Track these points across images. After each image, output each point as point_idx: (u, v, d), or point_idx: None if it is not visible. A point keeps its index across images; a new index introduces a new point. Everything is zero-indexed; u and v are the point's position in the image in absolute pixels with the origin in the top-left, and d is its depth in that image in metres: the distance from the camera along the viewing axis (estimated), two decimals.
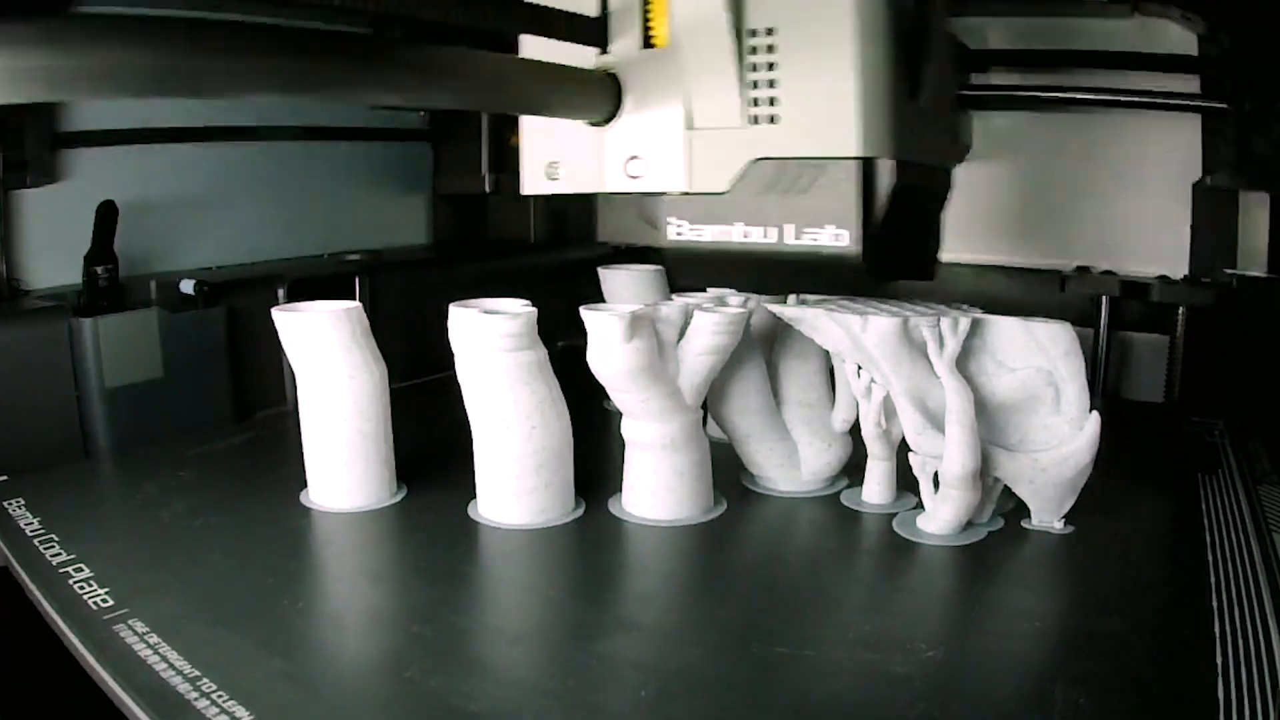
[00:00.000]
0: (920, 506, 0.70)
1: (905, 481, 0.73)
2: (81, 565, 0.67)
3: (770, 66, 0.60)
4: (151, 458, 0.93)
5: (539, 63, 0.61)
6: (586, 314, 0.67)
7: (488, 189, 1.55)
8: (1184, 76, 1.26)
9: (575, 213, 1.69)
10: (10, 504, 0.79)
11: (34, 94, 0.38)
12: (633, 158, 0.65)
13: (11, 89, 0.37)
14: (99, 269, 1.02)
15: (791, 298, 0.74)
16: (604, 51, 0.65)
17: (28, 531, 0.73)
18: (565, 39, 0.62)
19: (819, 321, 0.67)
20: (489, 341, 0.67)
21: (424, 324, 1.04)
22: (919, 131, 0.63)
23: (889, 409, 0.70)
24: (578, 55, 0.64)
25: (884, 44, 0.58)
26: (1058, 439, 0.66)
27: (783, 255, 0.63)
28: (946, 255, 1.42)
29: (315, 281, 1.20)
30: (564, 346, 0.72)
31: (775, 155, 0.61)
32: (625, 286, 0.84)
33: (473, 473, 0.73)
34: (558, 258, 1.52)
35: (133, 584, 0.65)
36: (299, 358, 0.74)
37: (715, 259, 0.65)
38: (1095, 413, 0.65)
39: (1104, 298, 1.30)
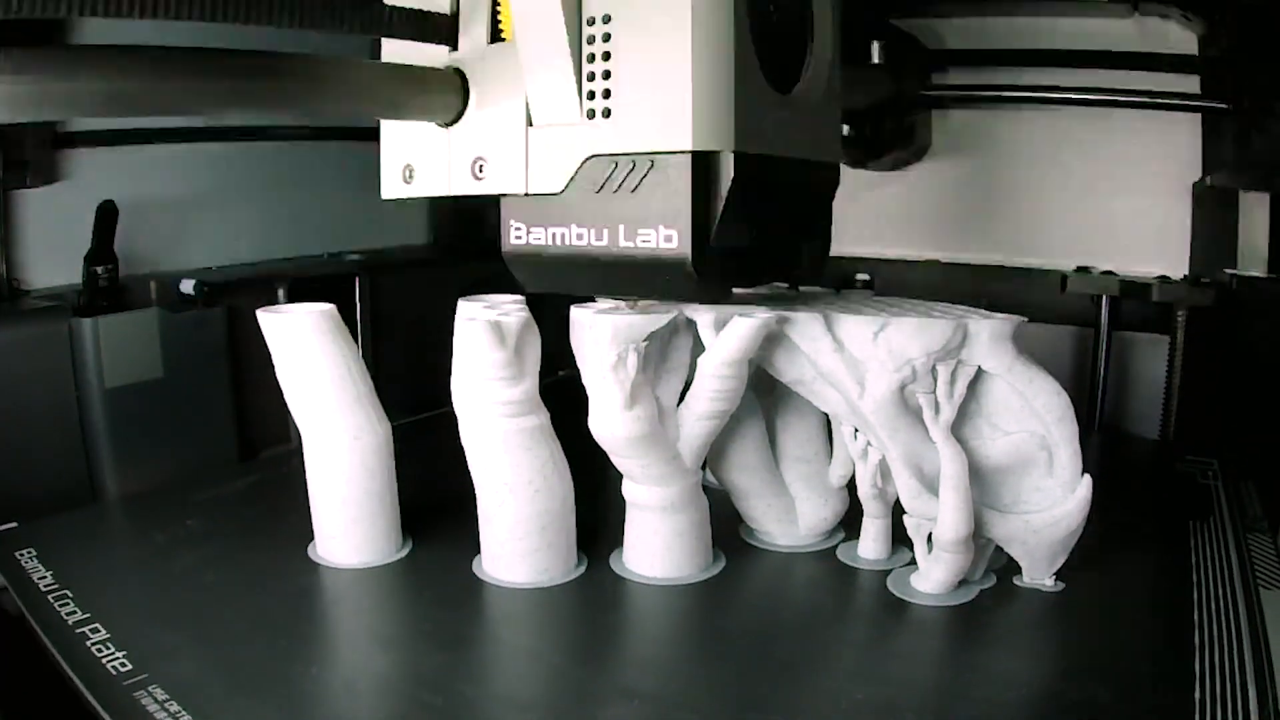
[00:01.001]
0: (914, 562, 0.71)
1: (900, 533, 0.74)
2: (98, 625, 0.68)
3: (606, 56, 0.55)
4: (158, 503, 0.93)
5: (375, 64, 0.60)
6: (588, 380, 0.68)
7: None
8: (1184, 76, 1.26)
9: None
10: (22, 555, 0.79)
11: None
12: (478, 158, 0.62)
13: None
14: (99, 269, 1.02)
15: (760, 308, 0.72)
16: (454, 49, 0.61)
17: (42, 586, 0.73)
18: (415, 38, 0.58)
19: (817, 386, 0.67)
20: (491, 409, 0.68)
21: (424, 324, 1.04)
22: (785, 124, 0.59)
23: (885, 470, 0.71)
24: (435, 55, 0.61)
25: (728, 30, 0.54)
26: (1050, 501, 0.67)
27: (617, 259, 0.58)
28: (948, 255, 1.43)
29: (315, 281, 1.20)
30: (564, 376, 0.72)
31: (608, 151, 0.57)
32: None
33: (475, 523, 0.73)
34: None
35: (149, 646, 0.65)
36: (302, 414, 0.75)
37: (555, 264, 0.60)
38: (1087, 476, 0.66)
39: (1104, 298, 1.30)
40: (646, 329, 0.64)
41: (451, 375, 0.71)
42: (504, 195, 0.62)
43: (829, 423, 0.78)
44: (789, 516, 0.78)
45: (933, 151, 1.44)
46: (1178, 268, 1.30)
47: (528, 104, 0.59)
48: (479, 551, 0.75)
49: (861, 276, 1.49)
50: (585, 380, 0.68)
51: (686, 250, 0.55)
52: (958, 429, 0.66)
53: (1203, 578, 0.75)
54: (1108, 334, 1.32)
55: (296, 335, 0.73)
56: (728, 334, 0.64)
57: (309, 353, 0.73)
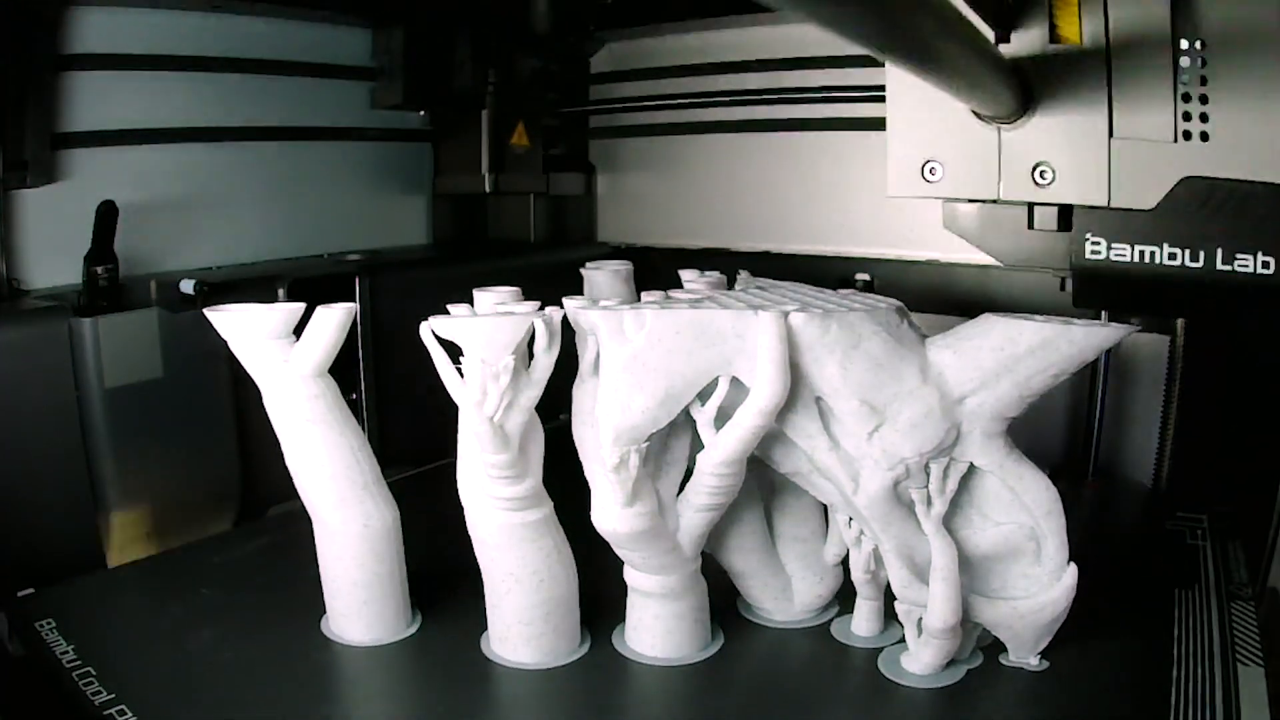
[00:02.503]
0: (904, 640, 0.73)
1: (891, 609, 0.75)
2: (124, 708, 0.68)
3: (1203, 81, 0.55)
4: (173, 569, 0.94)
5: (962, 17, 0.52)
6: (590, 473, 0.69)
7: (488, 189, 1.56)
8: None
9: (575, 212, 1.69)
10: (42, 627, 0.79)
11: None
12: (1040, 165, 0.60)
13: None
14: (99, 269, 1.02)
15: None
16: (1005, 40, 0.58)
17: (64, 662, 0.74)
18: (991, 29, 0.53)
19: (814, 478, 0.69)
20: (495, 503, 0.69)
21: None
22: None
23: (877, 557, 0.72)
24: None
25: None
26: (1037, 588, 0.68)
27: (1205, 279, 0.58)
28: (947, 255, 1.43)
29: (315, 281, 1.20)
30: (565, 421, 0.72)
31: (1205, 174, 0.56)
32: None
33: (481, 592, 0.75)
34: (558, 258, 1.52)
35: None
36: (311, 501, 0.76)
37: (1136, 280, 0.60)
38: (1073, 565, 0.67)
39: None
40: (647, 429, 0.64)
41: (457, 463, 0.72)
42: (1081, 206, 0.60)
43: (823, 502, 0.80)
44: (785, 594, 0.80)
45: None
46: None
47: (1110, 115, 0.57)
48: (486, 627, 0.76)
49: (862, 276, 1.49)
50: (586, 472, 0.70)
51: None
52: (949, 519, 0.68)
53: (1183, 652, 0.76)
54: None
55: (297, 419, 0.74)
56: (726, 434, 0.65)
57: (313, 441, 0.74)
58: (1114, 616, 0.79)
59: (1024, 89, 0.58)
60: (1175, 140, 0.56)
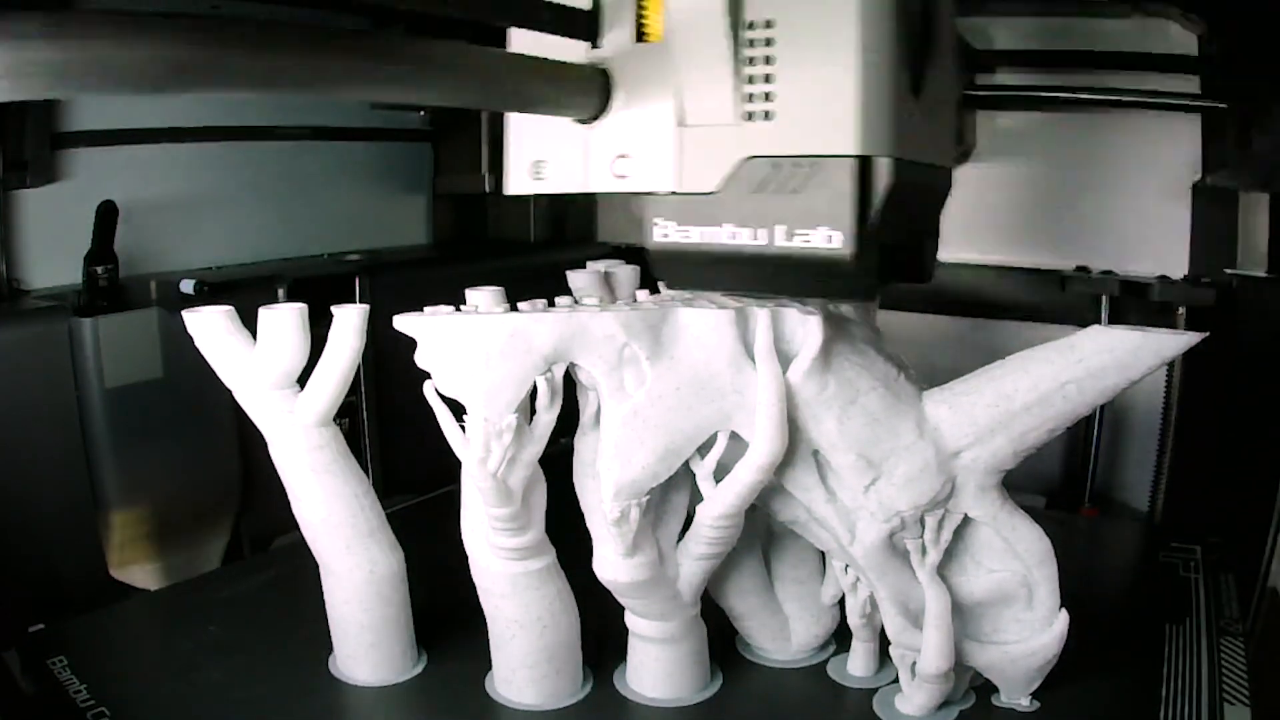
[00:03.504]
0: (898, 680, 0.74)
1: (886, 648, 0.76)
2: None
3: (768, 60, 0.56)
4: (180, 603, 0.94)
5: (523, 56, 0.58)
6: (591, 524, 0.70)
7: (488, 189, 1.56)
8: (1184, 76, 1.26)
9: (575, 213, 1.69)
10: (55, 664, 0.79)
11: (36, 90, 0.37)
12: (620, 156, 0.62)
13: (14, 85, 0.36)
14: (99, 269, 1.02)
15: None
16: (595, 46, 0.61)
17: (78, 702, 0.74)
18: (554, 32, 0.58)
19: (811, 527, 0.70)
20: (498, 553, 0.70)
21: None
22: (920, 129, 0.60)
23: (873, 602, 0.74)
24: (568, 50, 0.61)
25: (888, 38, 0.56)
26: (1029, 632, 0.70)
27: (775, 257, 0.59)
28: (947, 255, 1.43)
29: (315, 281, 1.20)
30: (566, 445, 0.73)
31: (768, 153, 0.58)
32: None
33: (485, 633, 0.75)
34: (558, 257, 1.52)
35: None
36: (317, 547, 0.77)
37: (705, 261, 0.62)
38: (1064, 611, 0.68)
39: (1104, 298, 1.30)
40: (648, 484, 0.64)
41: (460, 512, 0.73)
42: (652, 194, 0.62)
43: None
44: (783, 633, 0.81)
45: None
46: (1178, 268, 1.30)
47: (679, 103, 0.59)
48: (490, 667, 0.77)
49: None
50: (588, 521, 0.71)
51: (849, 249, 0.57)
52: (943, 566, 0.69)
53: (1172, 691, 0.76)
54: None
55: (301, 468, 0.74)
56: (724, 488, 0.66)
57: (317, 490, 0.75)
58: (1105, 654, 0.79)
59: (605, 90, 0.61)
60: (739, 122, 0.57)
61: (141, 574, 1.07)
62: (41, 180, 1.07)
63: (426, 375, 0.64)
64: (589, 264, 0.88)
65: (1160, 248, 1.31)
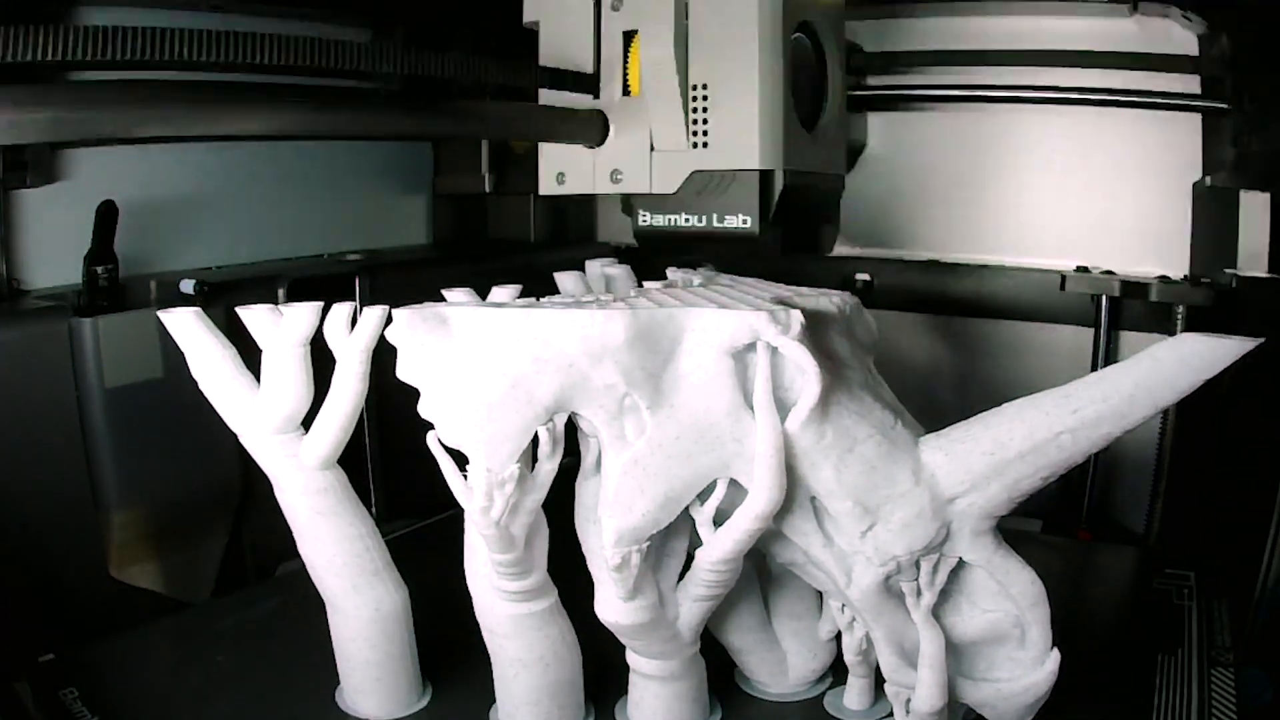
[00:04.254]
0: (893, 714, 0.75)
1: (881, 683, 0.77)
2: None
3: (705, 109, 0.88)
4: (188, 632, 0.95)
5: (553, 107, 0.92)
6: (592, 567, 0.71)
7: (488, 189, 1.56)
8: (1184, 76, 1.26)
9: (575, 213, 1.69)
10: (65, 696, 0.80)
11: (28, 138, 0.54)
12: (615, 169, 0.93)
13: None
14: (99, 269, 1.02)
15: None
16: (596, 97, 0.92)
17: None
18: (571, 90, 0.91)
19: (809, 568, 0.71)
20: (501, 595, 0.71)
21: None
22: (810, 150, 0.93)
23: (869, 639, 0.75)
24: (578, 100, 0.93)
25: (781, 95, 0.87)
26: (1021, 670, 0.70)
27: (711, 233, 0.91)
28: (947, 255, 1.44)
29: (315, 282, 1.20)
30: (568, 464, 0.73)
31: (706, 168, 0.89)
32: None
33: (489, 664, 0.76)
34: (558, 257, 1.52)
35: None
36: (324, 587, 0.78)
37: (669, 236, 0.93)
38: (1055, 651, 0.69)
39: (1104, 298, 1.31)
40: (648, 531, 0.65)
41: (464, 550, 0.73)
42: (635, 194, 0.93)
43: None
44: (780, 667, 0.82)
45: (939, 150, 1.45)
46: (1178, 268, 1.30)
47: (651, 136, 0.91)
48: (494, 699, 0.77)
49: (862, 276, 1.49)
50: (589, 565, 0.72)
51: (756, 228, 0.89)
52: (938, 606, 0.70)
53: None
54: (1107, 334, 1.32)
55: (306, 511, 0.75)
56: (723, 534, 0.67)
57: (323, 533, 0.76)
58: (1096, 686, 0.80)
59: (604, 127, 0.92)
60: (688, 148, 0.89)
61: (141, 574, 1.07)
62: (41, 180, 1.07)
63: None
64: (588, 264, 0.91)
65: (1160, 248, 1.31)
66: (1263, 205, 1.19)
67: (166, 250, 1.19)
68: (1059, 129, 1.36)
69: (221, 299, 1.09)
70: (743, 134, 0.87)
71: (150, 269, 1.14)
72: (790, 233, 0.93)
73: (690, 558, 0.71)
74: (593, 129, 0.91)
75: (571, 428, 0.68)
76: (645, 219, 0.94)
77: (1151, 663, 0.87)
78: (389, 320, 0.65)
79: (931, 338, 1.47)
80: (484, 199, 1.63)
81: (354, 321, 0.72)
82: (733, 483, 0.66)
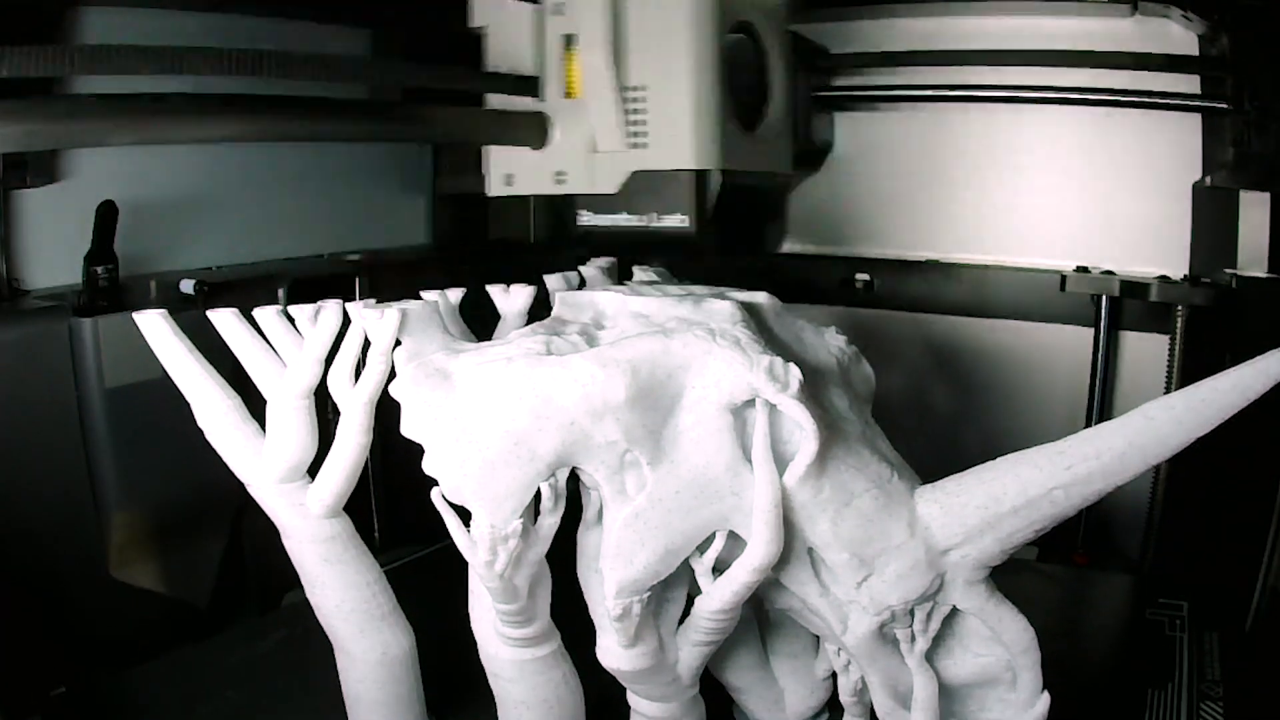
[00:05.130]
0: None
1: (875, 717, 0.78)
2: None
3: (641, 110, 0.90)
4: (195, 666, 0.95)
5: (496, 110, 0.96)
6: (594, 614, 0.72)
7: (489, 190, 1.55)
8: (1184, 76, 1.26)
9: (575, 213, 1.69)
10: None
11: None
12: (559, 171, 0.95)
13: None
14: (99, 269, 1.02)
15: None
16: (540, 99, 0.94)
17: None
18: (515, 94, 0.93)
19: (805, 614, 0.73)
20: (505, 641, 0.72)
21: None
22: (751, 150, 0.94)
23: (864, 680, 0.76)
24: (523, 103, 0.96)
25: (716, 98, 0.90)
26: (1011, 711, 0.71)
27: (650, 232, 0.92)
28: (947, 255, 1.44)
29: (315, 281, 1.20)
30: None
31: (645, 168, 0.91)
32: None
33: (494, 701, 0.77)
34: (558, 258, 1.52)
35: None
36: (331, 631, 0.78)
37: (611, 235, 0.94)
38: (1046, 694, 0.70)
39: (1104, 298, 1.31)
40: (649, 582, 0.66)
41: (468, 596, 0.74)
42: (578, 194, 0.95)
43: None
44: (778, 705, 0.83)
45: (939, 149, 1.45)
46: (1178, 268, 1.30)
47: (593, 137, 0.92)
48: None
49: (861, 276, 1.49)
50: (591, 611, 0.73)
51: (693, 227, 0.91)
52: (931, 650, 0.71)
53: None
54: (1107, 334, 1.32)
55: (313, 559, 0.76)
56: (721, 584, 0.68)
57: (330, 580, 0.77)
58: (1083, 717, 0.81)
59: (547, 128, 0.94)
60: (628, 149, 0.90)
61: (141, 574, 1.07)
62: (41, 180, 1.07)
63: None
64: (590, 263, 0.91)
65: (1160, 248, 1.32)
66: (1263, 205, 1.19)
67: (166, 250, 1.19)
68: (1059, 129, 1.36)
69: (221, 299, 1.09)
70: (678, 134, 0.89)
71: (150, 269, 1.14)
72: (732, 231, 1.02)
73: (690, 601, 0.72)
74: (535, 131, 0.94)
75: (573, 475, 0.69)
76: (586, 219, 0.96)
77: (1141, 697, 0.88)
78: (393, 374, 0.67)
79: (931, 337, 1.47)
80: (484, 199, 1.63)
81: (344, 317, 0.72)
82: (731, 534, 0.67)
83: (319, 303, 0.72)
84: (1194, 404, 0.63)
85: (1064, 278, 1.31)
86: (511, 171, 0.99)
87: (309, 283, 1.18)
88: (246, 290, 1.11)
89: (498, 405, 0.63)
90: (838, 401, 0.72)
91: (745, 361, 0.65)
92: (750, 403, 0.65)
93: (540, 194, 0.96)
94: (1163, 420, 0.63)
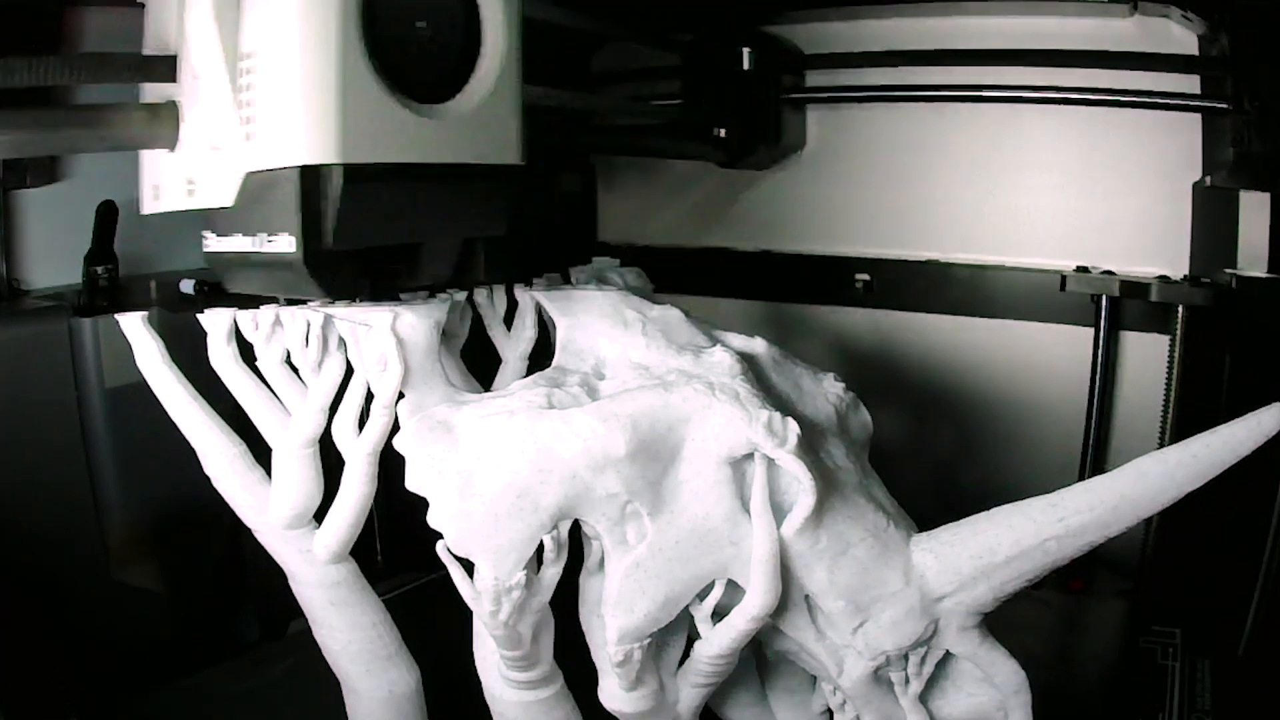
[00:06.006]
0: None
1: None
2: None
3: (250, 86, 0.61)
4: (202, 696, 0.95)
5: (91, 105, 0.69)
6: (596, 657, 0.73)
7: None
8: (1184, 76, 1.26)
9: (575, 213, 1.69)
10: None
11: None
12: (189, 178, 0.67)
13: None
14: (99, 269, 1.02)
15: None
16: (174, 82, 0.66)
17: None
18: (137, 80, 0.66)
19: (802, 656, 0.74)
20: (509, 683, 0.73)
21: None
22: (430, 132, 0.64)
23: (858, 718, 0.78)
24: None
25: (346, 56, 0.59)
26: None
27: (261, 261, 0.65)
28: (946, 255, 1.44)
29: None
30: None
31: (257, 168, 0.62)
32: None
33: None
34: (557, 258, 1.52)
35: None
36: (338, 670, 0.79)
37: (234, 266, 0.70)
38: None
39: (1104, 298, 1.31)
40: (649, 630, 0.68)
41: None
42: (208, 209, 0.67)
43: None
44: None
45: (940, 149, 1.45)
46: (1178, 268, 1.30)
47: (210, 128, 0.64)
48: None
49: (861, 277, 1.49)
50: (593, 654, 0.74)
51: (300, 253, 0.61)
52: (924, 691, 0.72)
53: None
54: (1107, 334, 1.32)
55: (320, 603, 0.77)
56: (720, 631, 0.69)
57: (337, 623, 0.78)
58: None
59: (176, 123, 0.67)
60: (240, 141, 0.62)
61: (141, 574, 1.07)
62: (41, 180, 1.07)
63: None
64: (593, 262, 0.92)
65: (1160, 248, 1.31)
66: (1263, 205, 1.19)
67: (166, 250, 1.19)
68: (1059, 129, 1.36)
69: (222, 299, 1.09)
70: (283, 115, 0.60)
71: (150, 269, 1.14)
72: (382, 257, 0.68)
73: (690, 642, 0.73)
74: (161, 126, 0.66)
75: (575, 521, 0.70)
76: (209, 243, 0.69)
77: None
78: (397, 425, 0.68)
79: (931, 337, 1.47)
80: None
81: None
82: (731, 580, 0.68)
83: (323, 330, 0.71)
84: (1186, 459, 0.65)
85: (1064, 278, 1.31)
86: (157, 183, 0.71)
87: None
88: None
89: (501, 459, 0.65)
90: (835, 451, 0.73)
91: (744, 416, 0.66)
92: (749, 455, 0.66)
93: (177, 210, 0.70)
94: (1155, 475, 0.65)
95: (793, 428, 0.66)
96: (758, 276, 1.56)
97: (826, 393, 0.77)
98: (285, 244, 0.62)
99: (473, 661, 0.76)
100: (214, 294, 1.08)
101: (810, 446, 0.69)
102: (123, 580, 1.05)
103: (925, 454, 1.44)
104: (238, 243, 0.66)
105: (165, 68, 0.66)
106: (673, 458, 0.67)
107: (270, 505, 0.76)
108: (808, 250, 1.54)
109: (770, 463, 0.66)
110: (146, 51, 0.68)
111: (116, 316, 0.77)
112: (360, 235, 0.63)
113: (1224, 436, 0.64)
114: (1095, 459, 1.34)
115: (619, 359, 0.74)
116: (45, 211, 1.08)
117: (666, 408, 0.66)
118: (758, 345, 0.77)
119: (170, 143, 0.67)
